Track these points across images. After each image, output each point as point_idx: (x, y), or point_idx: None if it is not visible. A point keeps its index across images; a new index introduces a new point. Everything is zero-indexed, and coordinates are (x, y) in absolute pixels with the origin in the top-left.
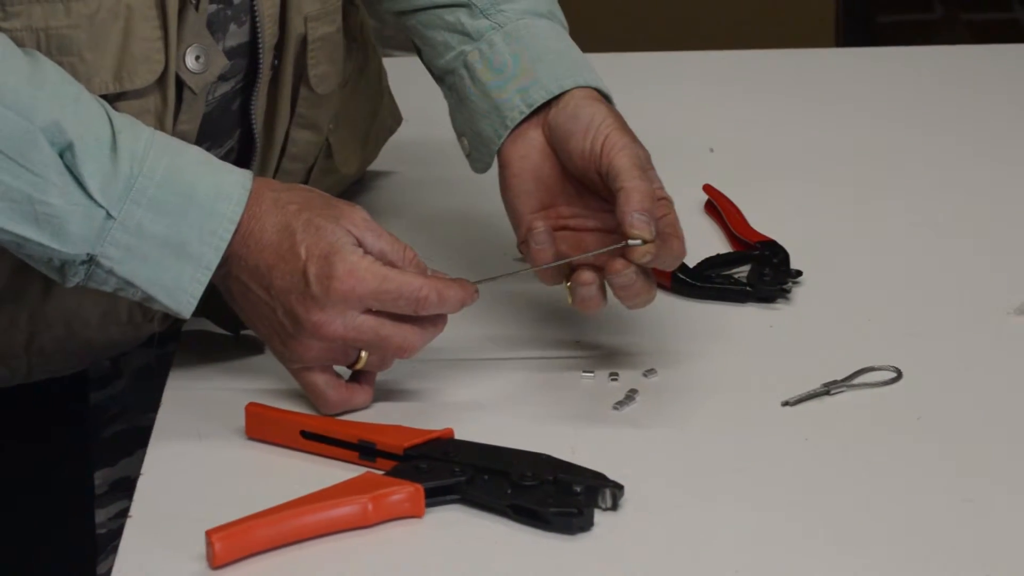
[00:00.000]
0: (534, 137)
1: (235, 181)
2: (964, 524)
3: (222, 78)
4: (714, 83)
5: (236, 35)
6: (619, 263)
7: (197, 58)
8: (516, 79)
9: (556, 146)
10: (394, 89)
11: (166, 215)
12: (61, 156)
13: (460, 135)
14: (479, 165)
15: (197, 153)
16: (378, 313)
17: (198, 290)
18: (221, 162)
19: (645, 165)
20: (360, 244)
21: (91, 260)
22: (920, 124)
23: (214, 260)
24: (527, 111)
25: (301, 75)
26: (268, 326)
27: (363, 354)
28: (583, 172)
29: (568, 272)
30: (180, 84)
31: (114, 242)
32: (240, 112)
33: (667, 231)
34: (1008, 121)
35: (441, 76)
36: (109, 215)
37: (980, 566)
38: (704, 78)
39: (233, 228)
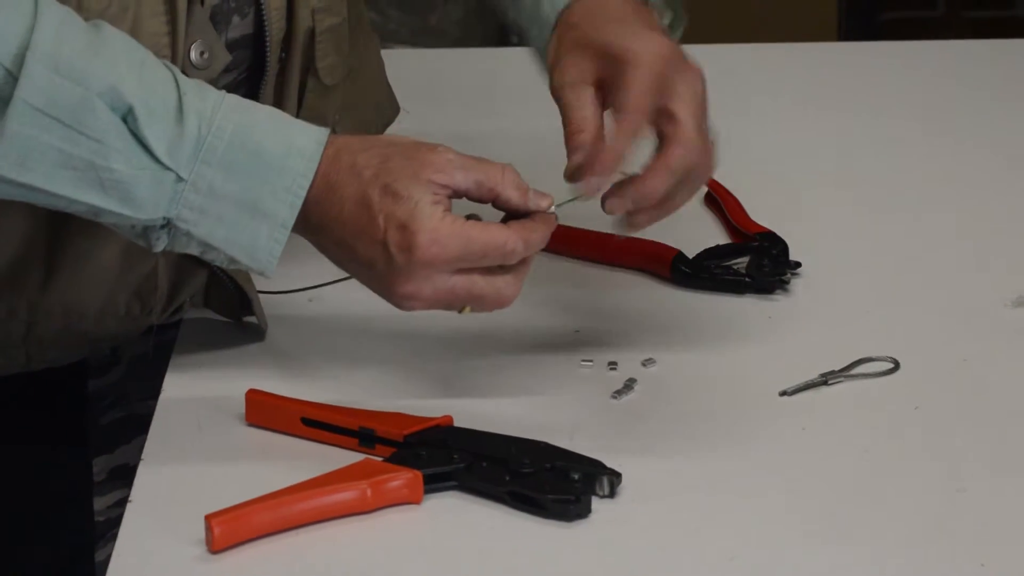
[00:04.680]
0: None
1: (308, 136)
2: (959, 514)
3: (224, 70)
4: (715, 76)
5: (239, 27)
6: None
7: (202, 53)
8: None
9: None
10: (392, 82)
11: (237, 174)
12: (124, 121)
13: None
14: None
15: (269, 111)
16: (468, 270)
17: (277, 249)
18: (294, 119)
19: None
20: (449, 189)
21: (169, 224)
22: (920, 118)
23: (290, 218)
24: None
25: (309, 67)
26: (370, 287)
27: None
28: None
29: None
30: None
31: (188, 204)
32: None
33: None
34: (1007, 116)
35: None
36: (179, 178)
37: (974, 556)
38: (705, 71)
39: (307, 183)
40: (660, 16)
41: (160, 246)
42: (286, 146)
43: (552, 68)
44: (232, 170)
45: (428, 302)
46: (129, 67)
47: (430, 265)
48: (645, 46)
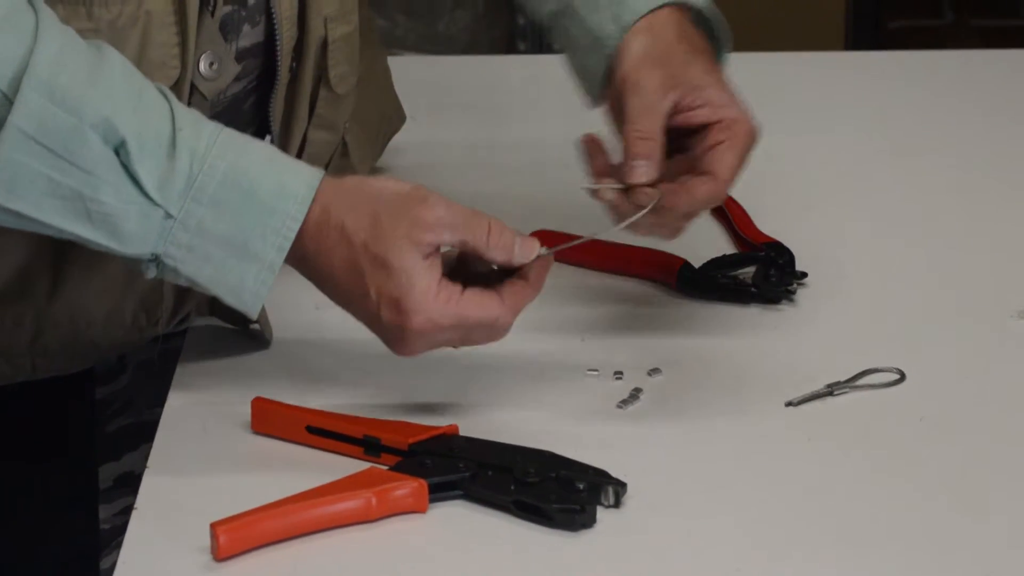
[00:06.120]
0: None
1: (301, 180)
2: (965, 526)
3: (235, 79)
4: None
5: (249, 36)
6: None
7: (211, 64)
8: (609, 7)
9: None
10: (398, 88)
11: (227, 213)
12: (116, 154)
13: (573, 74)
14: (590, 98)
15: (263, 150)
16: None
17: (263, 291)
18: (289, 160)
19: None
20: (436, 246)
21: (156, 259)
22: (927, 128)
23: (277, 260)
24: (620, 36)
25: (321, 76)
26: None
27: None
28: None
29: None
30: (192, 89)
31: (175, 242)
32: (253, 111)
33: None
34: (1015, 126)
35: (548, 24)
36: (168, 214)
37: (980, 568)
38: None
39: (296, 226)
40: (723, 44)
41: (150, 275)
42: (278, 188)
43: (626, 75)
44: (222, 209)
45: (424, 352)
46: (126, 98)
47: (423, 335)
48: (739, 118)
